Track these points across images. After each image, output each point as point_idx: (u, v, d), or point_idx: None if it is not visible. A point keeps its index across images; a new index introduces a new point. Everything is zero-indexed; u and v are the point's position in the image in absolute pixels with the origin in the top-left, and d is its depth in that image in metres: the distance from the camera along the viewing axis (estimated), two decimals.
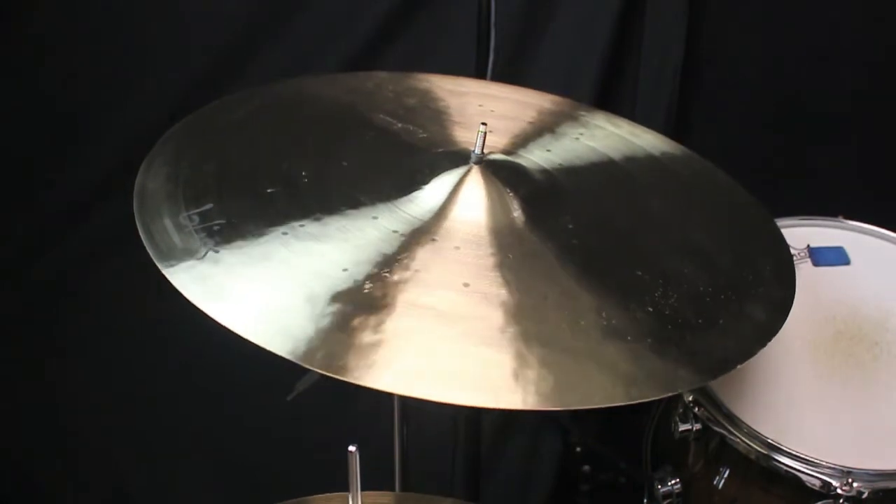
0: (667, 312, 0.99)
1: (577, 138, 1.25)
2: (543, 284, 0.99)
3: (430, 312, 0.93)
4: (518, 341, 0.91)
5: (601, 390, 0.90)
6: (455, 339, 0.91)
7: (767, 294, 1.08)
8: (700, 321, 1.00)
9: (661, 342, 0.96)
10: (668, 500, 1.38)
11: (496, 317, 0.94)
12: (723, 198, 1.24)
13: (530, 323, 0.94)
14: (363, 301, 0.93)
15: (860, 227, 1.54)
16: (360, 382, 0.86)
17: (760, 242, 1.18)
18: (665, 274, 1.04)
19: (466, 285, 0.96)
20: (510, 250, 1.02)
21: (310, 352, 0.88)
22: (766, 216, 1.22)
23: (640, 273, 1.04)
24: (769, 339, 1.01)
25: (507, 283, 0.97)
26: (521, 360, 0.90)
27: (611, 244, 1.09)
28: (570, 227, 1.08)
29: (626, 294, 1.00)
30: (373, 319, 0.91)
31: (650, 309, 0.99)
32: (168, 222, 1.00)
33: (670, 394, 0.94)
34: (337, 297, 0.93)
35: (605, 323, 0.96)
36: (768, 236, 1.19)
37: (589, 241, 1.07)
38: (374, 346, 0.89)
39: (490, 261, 1.00)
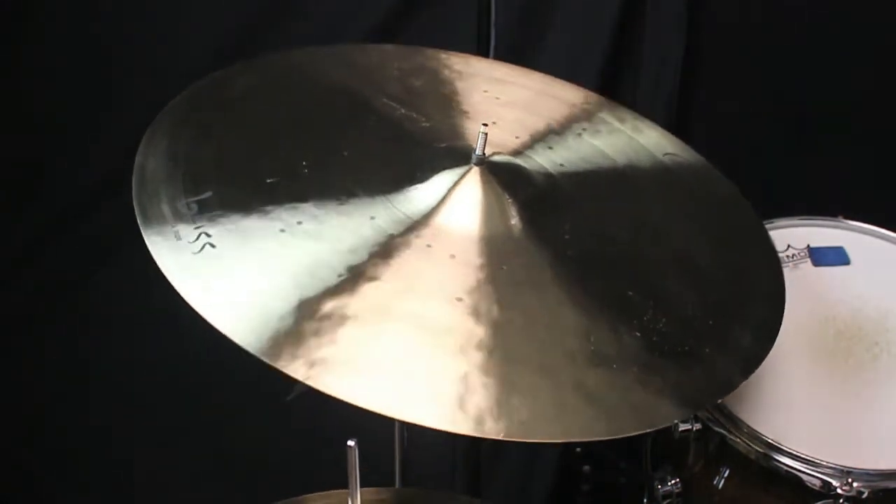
0: (654, 339, 0.97)
1: (580, 134, 1.23)
2: (534, 302, 0.97)
3: (416, 325, 0.91)
4: (504, 365, 0.90)
5: (581, 423, 0.89)
6: (439, 356, 0.89)
7: (755, 319, 1.06)
8: (687, 348, 0.98)
9: (647, 372, 0.94)
10: (668, 500, 1.37)
11: (483, 335, 0.92)
12: (722, 208, 1.22)
13: (517, 345, 0.92)
14: (353, 307, 0.91)
15: (860, 227, 1.54)
16: (336, 395, 0.84)
17: (754, 258, 1.16)
18: (656, 294, 1.03)
19: (459, 299, 0.94)
20: (504, 261, 1.00)
21: (290, 356, 0.87)
22: (763, 232, 1.21)
23: (630, 293, 1.02)
24: (753, 370, 1.00)
25: (498, 299, 0.95)
26: (504, 386, 0.88)
27: (606, 257, 1.08)
28: (567, 237, 1.06)
29: (616, 316, 0.99)
30: (359, 330, 0.90)
31: (638, 334, 0.97)
32: (165, 208, 0.98)
33: (650, 429, 0.93)
34: (326, 300, 0.91)
35: (592, 348, 0.94)
36: (762, 250, 1.18)
37: (584, 254, 1.05)
38: (356, 357, 0.88)
39: (483, 273, 0.98)
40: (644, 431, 0.91)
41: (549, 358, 0.92)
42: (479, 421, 0.86)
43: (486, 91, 1.26)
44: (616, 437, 0.88)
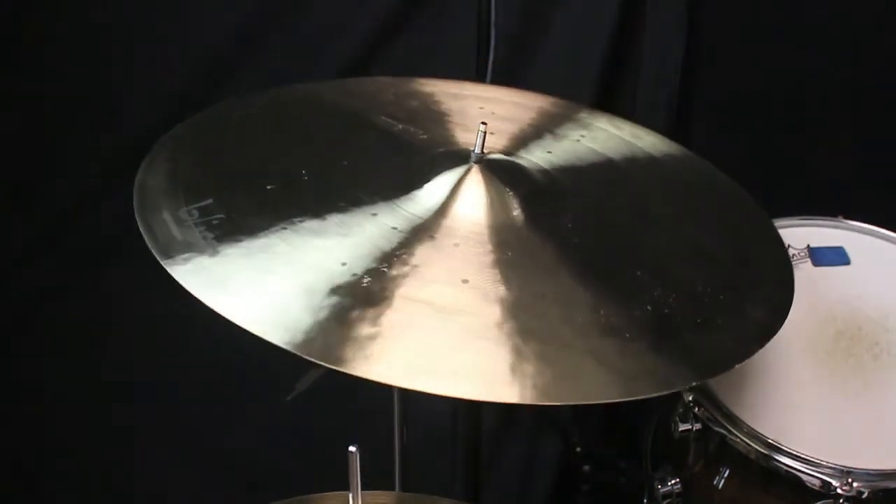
0: (665, 311, 0.99)
1: (579, 140, 1.25)
2: (542, 282, 0.99)
3: (427, 307, 0.93)
4: (516, 336, 0.91)
5: (599, 386, 0.90)
6: (452, 332, 0.91)
7: (766, 295, 1.08)
8: (699, 320, 1.00)
9: (660, 340, 0.96)
10: (668, 500, 1.38)
11: (494, 312, 0.94)
12: (723, 199, 1.24)
13: (528, 319, 0.94)
14: (361, 294, 0.93)
15: (860, 227, 1.54)
16: (356, 373, 0.86)
17: (759, 244, 1.18)
18: (664, 274, 1.04)
19: (465, 281, 0.96)
20: (509, 248, 1.02)
21: (307, 342, 0.88)
22: (765, 218, 1.22)
23: (638, 273, 1.04)
24: (768, 340, 1.01)
25: (506, 279, 0.97)
26: (518, 354, 0.90)
27: (610, 244, 1.10)
28: (570, 226, 1.08)
29: (625, 293, 1.01)
30: (371, 312, 0.91)
31: (649, 308, 0.99)
32: (167, 216, 1.00)
33: (668, 391, 0.94)
34: (335, 290, 0.93)
35: (603, 321, 0.96)
36: (767, 237, 1.19)
37: (588, 241, 1.07)
38: (372, 337, 0.89)
39: (489, 258, 1.00)
40: (662, 393, 0.92)
41: (561, 330, 0.94)
42: (493, 386, 0.87)
43: (481, 108, 1.28)
44: (634, 398, 0.89)
